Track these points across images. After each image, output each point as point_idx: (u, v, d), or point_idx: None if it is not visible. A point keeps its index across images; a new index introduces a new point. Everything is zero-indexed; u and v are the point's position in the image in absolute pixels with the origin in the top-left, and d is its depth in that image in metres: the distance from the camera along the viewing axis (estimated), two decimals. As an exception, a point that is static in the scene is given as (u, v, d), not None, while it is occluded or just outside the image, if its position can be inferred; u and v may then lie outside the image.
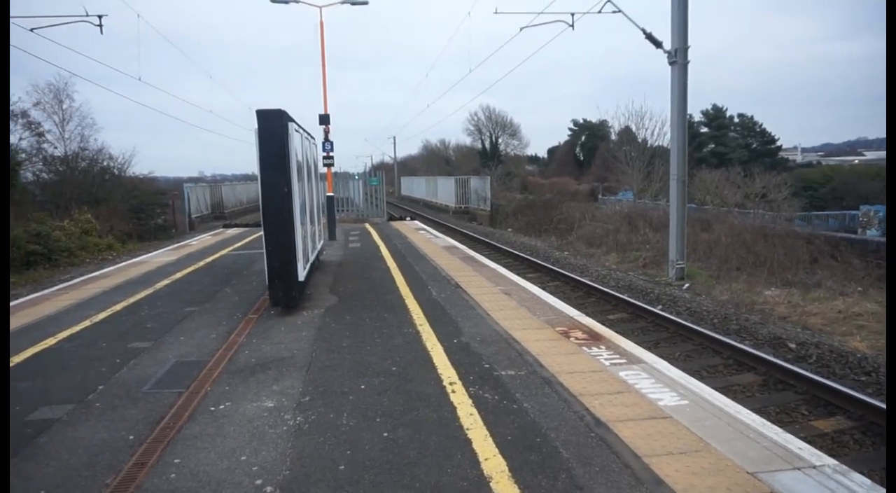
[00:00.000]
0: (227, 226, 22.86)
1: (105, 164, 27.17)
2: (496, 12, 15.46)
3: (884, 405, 6.00)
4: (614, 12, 13.78)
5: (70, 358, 5.71)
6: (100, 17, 13.05)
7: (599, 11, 13.88)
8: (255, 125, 6.92)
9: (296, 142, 7.62)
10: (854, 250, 15.29)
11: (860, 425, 5.91)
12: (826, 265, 14.56)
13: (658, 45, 13.45)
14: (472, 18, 44.27)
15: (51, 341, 6.31)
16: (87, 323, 7.10)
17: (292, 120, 7.49)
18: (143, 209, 25.41)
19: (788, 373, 7.03)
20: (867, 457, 5.33)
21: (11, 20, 12.61)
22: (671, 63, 13.38)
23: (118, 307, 7.94)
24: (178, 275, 10.55)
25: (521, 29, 15.46)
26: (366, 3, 17.05)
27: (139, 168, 30.31)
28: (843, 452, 5.46)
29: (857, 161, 62.25)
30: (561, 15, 14.59)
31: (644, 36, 13.53)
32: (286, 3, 16.43)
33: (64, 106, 27.75)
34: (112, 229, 21.66)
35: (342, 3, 16.86)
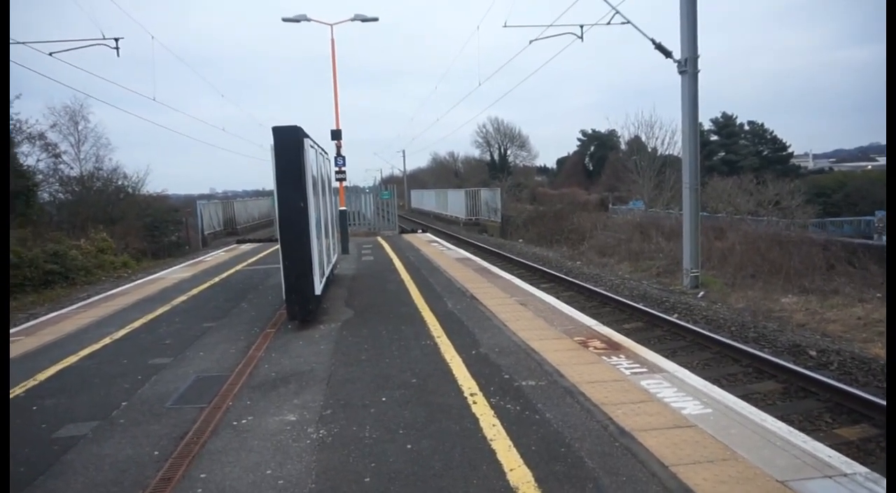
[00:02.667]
0: (240, 242, 23.02)
1: (120, 183, 27.58)
2: (505, 26, 15.60)
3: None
4: (623, 23, 13.85)
5: (92, 375, 5.76)
6: (116, 40, 13.32)
7: (608, 23, 13.96)
8: (269, 141, 7.02)
9: (311, 157, 7.70)
10: (871, 256, 15.11)
11: (886, 432, 5.82)
12: (843, 272, 14.41)
13: (668, 54, 13.48)
14: (480, 32, 44.66)
15: (72, 359, 6.37)
16: (107, 340, 7.17)
17: (307, 136, 7.57)
18: (157, 227, 25.68)
19: (810, 380, 6.95)
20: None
21: (30, 45, 12.91)
22: (681, 72, 13.40)
23: (137, 324, 8.01)
24: (194, 291, 10.63)
25: (530, 42, 15.56)
26: (376, 20, 17.26)
27: (152, 186, 30.73)
28: (869, 460, 5.36)
29: (870, 167, 61.68)
30: (570, 27, 14.69)
31: (654, 46, 13.57)
32: (297, 21, 16.66)
33: (79, 127, 28.28)
34: (127, 247, 21.90)
35: (353, 20, 17.08)
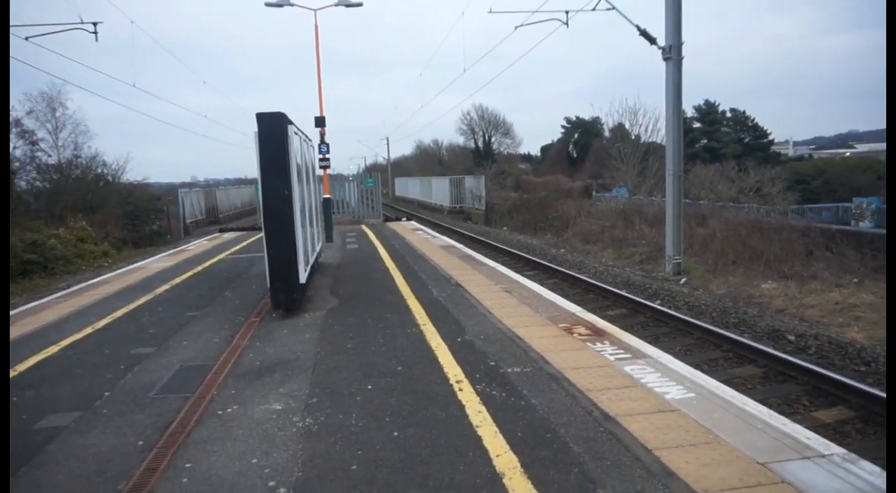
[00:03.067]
0: (223, 230, 22.79)
1: (99, 171, 27.13)
2: (490, 12, 15.51)
3: (885, 395, 6.06)
4: (608, 9, 13.83)
5: (74, 365, 5.70)
6: (94, 24, 13.00)
7: (594, 9, 13.92)
8: (253, 129, 6.93)
9: (295, 144, 7.62)
10: (849, 242, 15.38)
11: (862, 414, 5.96)
12: (822, 257, 14.65)
13: (652, 41, 13.50)
14: (465, 18, 44.24)
15: (53, 349, 6.29)
16: (89, 330, 7.08)
17: (291, 123, 7.49)
18: (137, 216, 25.34)
19: (789, 365, 7.08)
20: (870, 446, 5.36)
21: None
22: (665, 59, 13.44)
23: (119, 314, 7.91)
24: (177, 280, 10.52)
25: (515, 28, 15.51)
26: (360, 5, 17.04)
27: (133, 174, 30.31)
28: (846, 441, 5.49)
29: (848, 154, 62.56)
30: (555, 13, 14.65)
31: (638, 32, 13.59)
32: (280, 6, 16.41)
33: (57, 114, 27.72)
34: (107, 236, 21.59)
35: (336, 5, 16.85)
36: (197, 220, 30.97)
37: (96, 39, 13.29)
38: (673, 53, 13.32)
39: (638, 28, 13.66)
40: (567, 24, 14.88)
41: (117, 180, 28.12)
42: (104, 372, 5.45)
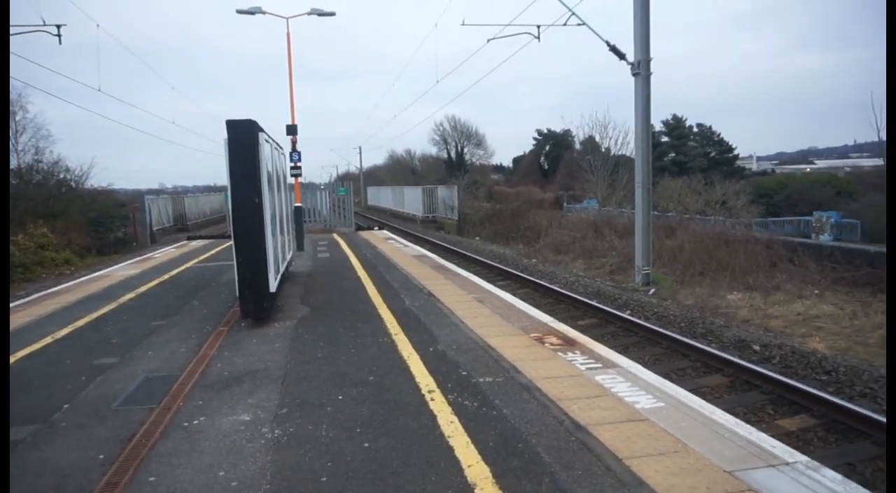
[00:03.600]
0: (191, 238, 22.36)
1: (62, 176, 26.33)
2: (464, 24, 15.63)
3: (846, 404, 6.23)
4: (579, 25, 14.08)
5: (32, 377, 5.50)
6: (58, 26, 12.70)
7: (565, 24, 14.16)
8: (223, 135, 6.83)
9: (266, 152, 7.54)
10: (810, 255, 15.83)
11: (823, 422, 6.10)
12: (785, 269, 15.04)
13: (622, 56, 13.77)
14: (439, 30, 44.55)
15: (9, 360, 6.06)
16: (48, 340, 6.85)
17: (262, 130, 7.41)
18: (102, 222, 24.71)
19: (754, 374, 7.22)
20: (831, 453, 5.50)
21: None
22: (634, 74, 13.71)
23: (81, 323, 7.68)
24: (143, 289, 10.27)
25: (487, 41, 15.66)
26: (333, 15, 17.02)
27: (98, 180, 29.44)
28: (808, 449, 5.60)
29: (808, 169, 64.60)
30: (527, 27, 14.85)
31: (608, 48, 13.84)
32: (252, 13, 16.28)
33: (17, 118, 26.89)
34: (70, 243, 20.98)
35: (309, 14, 16.79)
36: (164, 227, 30.35)
37: (60, 42, 12.97)
38: (642, 69, 13.60)
39: (608, 44, 13.92)
40: (539, 38, 15.09)
41: (81, 186, 27.34)
42: (64, 383, 5.28)
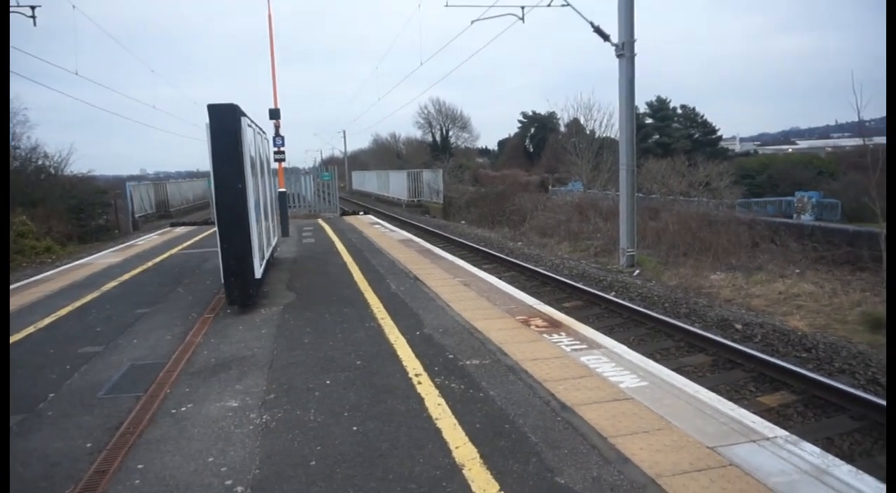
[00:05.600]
0: (174, 225, 22.13)
1: (40, 163, 25.87)
2: (447, 5, 15.47)
3: (825, 379, 6.38)
4: (563, 6, 14.02)
5: (15, 366, 5.43)
6: (32, 7, 12.36)
7: (549, 5, 14.08)
8: (205, 120, 6.74)
9: (248, 137, 7.46)
10: (791, 234, 16.07)
11: (803, 398, 6.24)
12: (767, 249, 15.27)
13: (606, 38, 13.74)
14: (422, 11, 44.15)
15: (-8, 350, 6.00)
16: (31, 329, 6.78)
17: (244, 115, 7.32)
18: (83, 209, 24.33)
19: (736, 352, 7.35)
20: (810, 428, 5.64)
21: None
22: (619, 56, 13.70)
23: (64, 312, 7.61)
24: (126, 276, 10.18)
25: (472, 22, 15.53)
26: (313, -5, 16.76)
27: (77, 166, 29.02)
28: (788, 424, 5.74)
29: (790, 150, 65.21)
30: (511, 8, 14.74)
31: (592, 29, 13.80)
32: (230, -6, 15.98)
33: (-8, 102, 26.26)
34: (50, 231, 20.64)
35: (289, -6, 16.52)
36: (146, 214, 29.97)
37: (34, 24, 12.65)
38: (626, 50, 13.59)
39: (592, 25, 13.88)
40: (523, 19, 15.01)
41: (60, 173, 26.90)
42: (48, 373, 5.24)
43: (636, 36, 13.53)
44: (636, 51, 13.65)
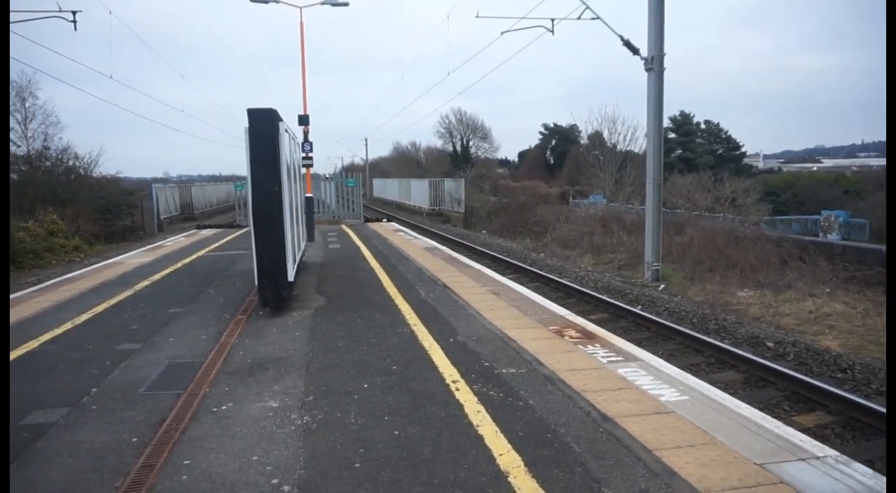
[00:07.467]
0: (199, 227, 22.43)
1: (70, 163, 26.42)
2: (478, 16, 15.59)
3: (863, 401, 6.25)
4: (593, 19, 14.04)
5: (56, 361, 5.55)
6: (74, 13, 12.69)
7: (579, 17, 14.13)
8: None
9: (285, 141, 7.56)
10: (821, 253, 15.82)
11: (840, 419, 6.13)
12: (795, 267, 15.04)
13: (635, 51, 13.73)
14: (451, 22, 44.36)
15: (33, 345, 6.11)
16: (68, 325, 6.90)
17: (282, 120, 7.43)
18: (110, 210, 24.79)
19: (769, 370, 7.24)
20: (850, 450, 5.51)
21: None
22: (648, 70, 13.67)
23: (99, 309, 7.73)
24: (157, 276, 10.32)
25: (501, 33, 15.62)
26: (346, 5, 16.98)
27: (106, 168, 29.57)
28: (826, 445, 5.64)
29: (815, 168, 64.43)
30: (541, 20, 14.81)
31: (622, 42, 13.80)
32: (266, 2, 16.25)
33: (27, 104, 26.99)
34: (79, 231, 21.06)
35: (322, 3, 16.75)
36: (171, 216, 30.42)
37: (75, 28, 12.99)
38: (655, 64, 13.56)
39: (622, 38, 13.88)
40: (552, 31, 15.06)
41: (89, 173, 27.43)
42: (88, 368, 5.32)
43: (665, 50, 13.51)
44: (664, 65, 13.62)
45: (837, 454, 3.51)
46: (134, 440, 3.84)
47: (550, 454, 3.52)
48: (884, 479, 3.21)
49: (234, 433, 3.91)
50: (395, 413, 4.17)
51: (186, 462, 3.52)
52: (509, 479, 3.24)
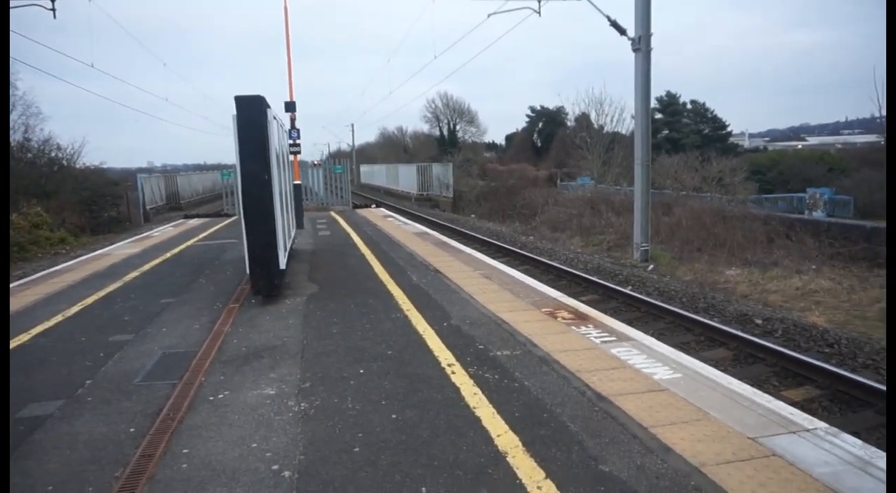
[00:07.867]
0: (187, 216, 22.24)
1: (53, 154, 26.00)
2: (462, -2, 15.40)
3: (850, 375, 6.38)
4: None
5: (49, 353, 5.51)
6: (52, 1, 12.41)
7: (565, -2, 14.01)
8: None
9: (274, 129, 7.49)
10: (807, 230, 16.00)
11: (827, 393, 6.25)
12: (782, 245, 15.21)
13: (622, 32, 13.70)
14: (435, 4, 43.85)
15: (24, 337, 6.07)
16: (59, 318, 6.85)
17: (269, 107, 7.35)
18: (95, 201, 24.46)
19: (758, 347, 7.35)
20: (836, 422, 5.60)
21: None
22: (635, 50, 13.65)
23: (89, 301, 7.68)
24: (146, 267, 10.25)
25: (488, 15, 15.51)
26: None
27: (89, 158, 29.04)
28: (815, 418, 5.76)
29: (800, 146, 64.86)
30: (528, 1, 14.68)
31: (609, 23, 13.76)
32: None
33: (6, 94, 26.39)
34: (64, 223, 20.81)
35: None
36: (157, 206, 30.12)
37: (54, 17, 12.70)
38: (642, 45, 13.54)
39: (609, 19, 13.84)
40: (539, 12, 14.95)
41: (73, 165, 27.02)
42: (82, 360, 5.30)
43: (652, 30, 13.48)
44: (652, 45, 13.60)
45: (827, 426, 3.59)
46: (131, 430, 3.85)
47: (547, 434, 3.57)
48: (872, 448, 3.30)
49: (232, 421, 3.93)
50: (393, 398, 4.20)
51: (185, 451, 3.53)
52: (508, 459, 3.28)
